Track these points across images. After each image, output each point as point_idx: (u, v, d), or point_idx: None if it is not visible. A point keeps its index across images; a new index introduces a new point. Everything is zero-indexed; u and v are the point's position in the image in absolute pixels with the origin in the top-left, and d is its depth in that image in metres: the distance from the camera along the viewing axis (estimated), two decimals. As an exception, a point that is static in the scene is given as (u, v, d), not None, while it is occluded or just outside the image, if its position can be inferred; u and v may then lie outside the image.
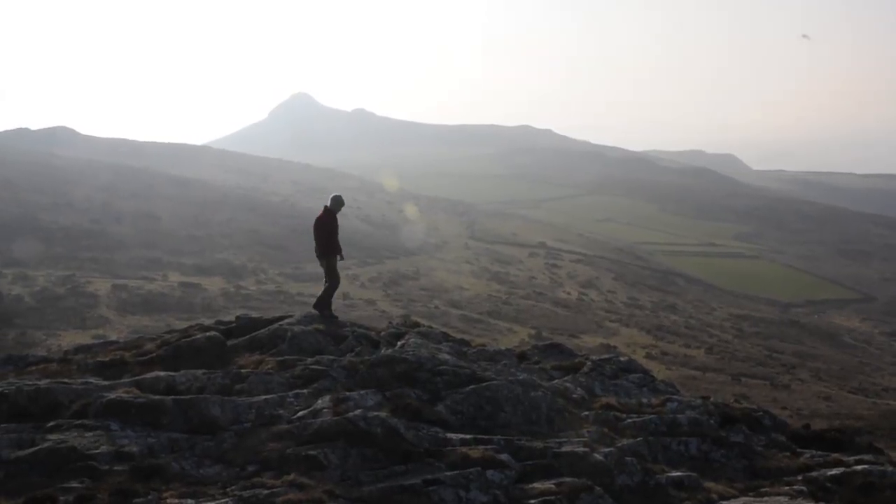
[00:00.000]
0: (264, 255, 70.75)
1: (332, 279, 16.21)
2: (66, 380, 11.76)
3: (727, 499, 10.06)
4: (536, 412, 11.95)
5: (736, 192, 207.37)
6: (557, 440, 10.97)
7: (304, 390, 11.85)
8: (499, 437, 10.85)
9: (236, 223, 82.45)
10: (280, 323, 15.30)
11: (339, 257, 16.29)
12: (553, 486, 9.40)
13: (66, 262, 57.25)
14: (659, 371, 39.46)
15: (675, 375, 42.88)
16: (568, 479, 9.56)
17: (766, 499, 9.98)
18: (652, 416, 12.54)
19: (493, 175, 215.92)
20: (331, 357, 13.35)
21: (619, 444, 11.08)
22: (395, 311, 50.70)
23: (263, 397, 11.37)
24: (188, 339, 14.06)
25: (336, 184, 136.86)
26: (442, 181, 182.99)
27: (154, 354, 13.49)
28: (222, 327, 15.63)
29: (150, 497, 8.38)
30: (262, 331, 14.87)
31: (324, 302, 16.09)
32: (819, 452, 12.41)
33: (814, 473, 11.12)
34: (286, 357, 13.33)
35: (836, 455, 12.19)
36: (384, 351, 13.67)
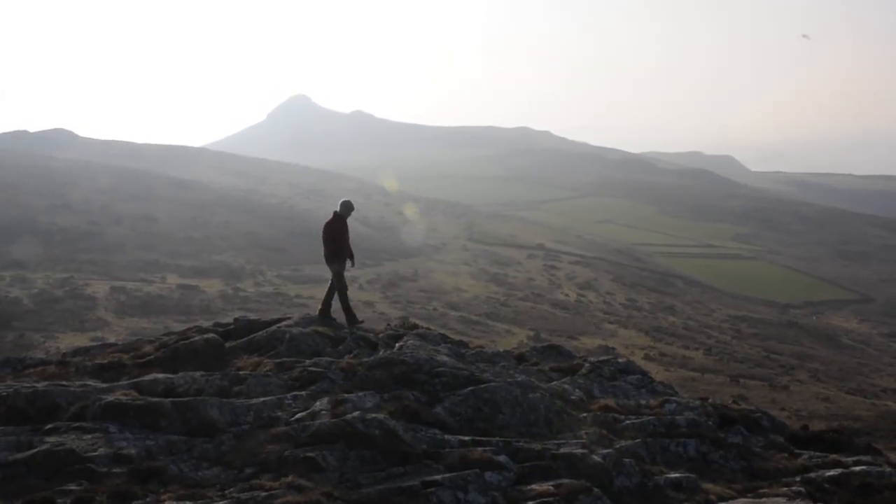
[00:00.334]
0: (262, 257, 70.71)
1: (340, 283, 16.06)
2: (64, 382, 11.75)
3: (725, 500, 10.06)
4: (535, 414, 11.95)
5: (734, 194, 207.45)
6: (556, 442, 10.97)
7: (303, 392, 11.85)
8: (497, 438, 10.85)
9: (234, 225, 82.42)
10: (278, 325, 15.30)
11: (349, 263, 16.13)
12: (551, 487, 9.40)
13: (65, 265, 57.23)
14: (657, 372, 39.45)
15: (674, 377, 42.88)
16: (566, 481, 9.56)
17: (764, 500, 9.98)
18: (650, 417, 12.54)
19: (491, 176, 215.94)
20: (329, 359, 13.35)
21: (618, 446, 11.08)
22: (393, 313, 50.68)
23: (262, 399, 11.37)
24: (186, 342, 14.05)
25: (334, 186, 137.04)
26: (441, 183, 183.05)
27: (152, 357, 13.49)
28: (220, 329, 15.63)
29: (148, 499, 8.37)
30: (261, 333, 14.87)
31: (347, 310, 16.05)
32: (817, 453, 12.41)
33: (812, 474, 11.12)
34: (284, 359, 13.32)
35: (834, 456, 12.20)
36: (382, 353, 13.66)
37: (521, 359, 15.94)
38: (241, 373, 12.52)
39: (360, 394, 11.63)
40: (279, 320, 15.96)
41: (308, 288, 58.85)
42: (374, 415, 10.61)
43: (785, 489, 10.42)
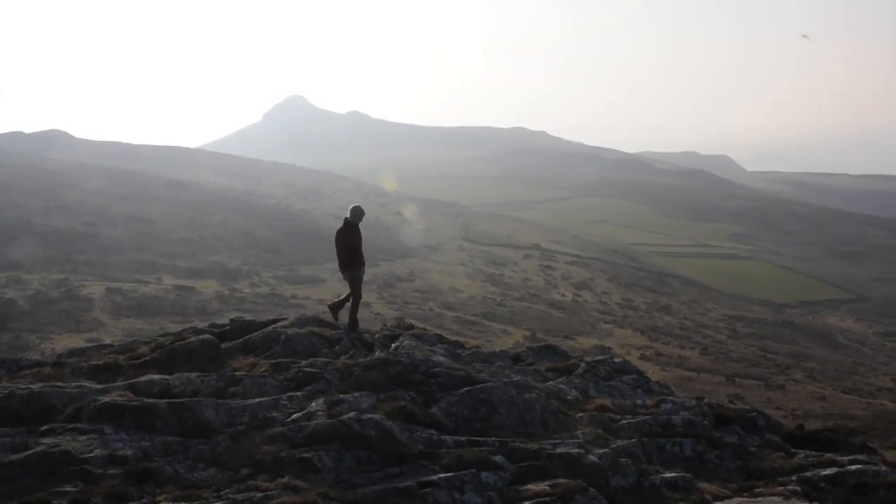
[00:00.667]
0: (258, 258, 70.72)
1: (355, 292, 15.62)
2: (59, 383, 11.73)
3: (721, 499, 10.05)
4: (531, 414, 11.95)
5: (730, 194, 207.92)
6: (552, 442, 10.96)
7: (299, 393, 11.84)
8: (493, 438, 10.84)
9: (230, 226, 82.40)
10: (274, 326, 15.28)
11: (362, 270, 15.75)
12: (547, 487, 9.39)
13: (61, 266, 57.18)
14: (653, 372, 39.49)
15: (670, 376, 42.97)
16: (562, 481, 9.55)
17: (760, 499, 9.99)
18: (646, 417, 12.54)
19: (487, 177, 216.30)
20: (325, 359, 13.33)
21: (614, 446, 11.08)
22: (389, 314, 50.71)
23: (257, 400, 11.35)
24: (182, 343, 14.03)
25: (331, 186, 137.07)
26: (437, 183, 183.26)
27: (148, 357, 13.47)
28: (216, 330, 15.60)
29: (144, 500, 8.35)
30: (256, 333, 14.85)
31: (351, 320, 15.68)
32: (813, 453, 12.42)
33: (808, 474, 11.13)
34: (280, 360, 13.30)
35: (830, 455, 12.20)
36: (378, 353, 13.65)
37: (517, 359, 15.93)
38: (236, 374, 12.50)
39: (356, 394, 11.62)
40: (275, 321, 15.93)
41: (304, 288, 58.90)
42: (370, 415, 10.60)
43: (781, 488, 10.43)
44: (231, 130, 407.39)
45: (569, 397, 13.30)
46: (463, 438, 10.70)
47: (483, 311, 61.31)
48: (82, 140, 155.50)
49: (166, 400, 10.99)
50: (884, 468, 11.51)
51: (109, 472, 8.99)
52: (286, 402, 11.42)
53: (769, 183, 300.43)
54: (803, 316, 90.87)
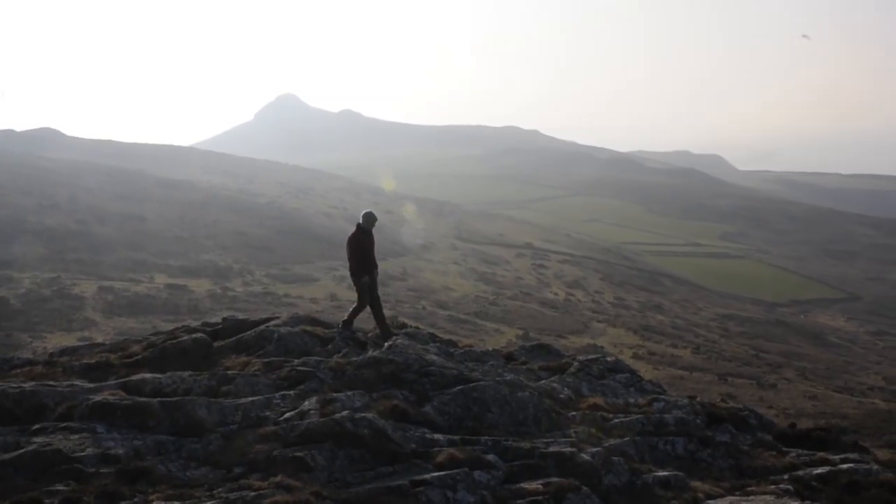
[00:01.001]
0: (251, 257, 70.58)
1: (362, 297, 15.07)
2: (51, 382, 11.69)
3: (714, 498, 10.08)
4: (524, 413, 11.96)
5: (722, 193, 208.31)
6: (545, 440, 10.98)
7: (291, 392, 11.83)
8: (486, 437, 10.85)
9: (223, 224, 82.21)
10: (267, 324, 15.26)
11: (375, 274, 15.24)
12: (540, 486, 9.41)
13: (52, 264, 57.00)
14: (646, 371, 39.59)
15: (662, 375, 43.05)
16: (555, 480, 9.56)
17: (752, 498, 10.01)
18: (639, 415, 12.56)
19: (480, 175, 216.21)
20: (318, 358, 13.32)
21: (607, 444, 11.10)
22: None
23: (250, 399, 11.34)
24: (174, 341, 14.00)
25: (323, 185, 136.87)
26: (429, 182, 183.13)
27: (140, 356, 13.44)
28: (209, 329, 15.58)
29: (136, 499, 8.34)
30: (249, 332, 14.83)
31: (349, 320, 15.24)
32: (805, 451, 12.46)
33: (800, 472, 11.16)
34: (273, 358, 13.29)
35: (821, 454, 12.24)
36: (371, 352, 13.64)
37: (509, 357, 15.94)
38: (229, 372, 12.48)
39: (349, 393, 11.61)
40: (267, 320, 15.91)
41: (296, 287, 58.77)
42: (362, 414, 10.59)
43: (773, 487, 10.45)
44: (224, 129, 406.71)
45: (561, 396, 13.31)
46: (456, 437, 10.71)
47: (476, 309, 61.32)
48: (74, 138, 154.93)
49: (158, 399, 10.97)
50: (875, 467, 11.55)
51: (101, 470, 8.97)
52: (279, 401, 11.41)
53: (761, 182, 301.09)
54: (795, 315, 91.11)
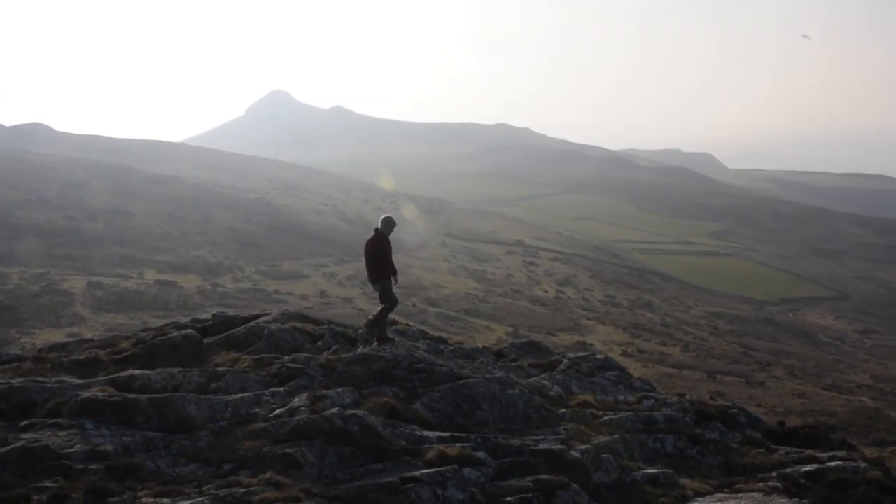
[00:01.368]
0: (241, 253, 70.42)
1: (388, 301, 14.77)
2: (40, 378, 11.64)
3: (702, 495, 10.12)
4: (513, 410, 11.97)
5: (712, 191, 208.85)
6: (534, 438, 10.99)
7: (281, 388, 11.81)
8: (476, 434, 10.85)
9: (212, 220, 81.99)
10: (257, 321, 15.21)
11: (393, 280, 14.89)
12: (530, 483, 9.42)
13: (41, 260, 56.75)
14: (635, 369, 39.70)
15: (652, 373, 43.18)
16: (545, 477, 9.58)
17: (740, 495, 10.05)
18: (628, 413, 12.60)
19: (470, 173, 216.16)
20: (308, 355, 13.30)
21: (596, 442, 11.12)
22: (372, 309, 50.36)
23: (240, 395, 11.31)
24: (164, 338, 13.95)
25: (313, 181, 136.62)
26: (421, 179, 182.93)
27: (129, 353, 13.38)
28: (198, 325, 15.53)
29: (125, 496, 8.31)
30: (239, 329, 14.78)
31: (375, 323, 14.73)
32: (793, 449, 12.51)
33: (788, 470, 11.21)
34: (263, 355, 13.25)
35: (810, 451, 12.30)
36: (361, 349, 13.63)
37: (499, 355, 15.96)
38: (218, 369, 12.45)
39: (339, 390, 11.60)
40: (257, 316, 15.87)
41: (286, 284, 58.69)
42: (352, 411, 10.58)
43: (761, 484, 10.50)
44: (214, 125, 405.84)
45: (551, 393, 13.33)
46: (446, 434, 10.70)
47: (466, 307, 61.36)
48: (64, 133, 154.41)
49: (148, 395, 10.93)
50: (863, 465, 11.62)
51: (90, 467, 8.93)
52: (269, 398, 11.39)
53: (751, 181, 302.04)
54: (784, 313, 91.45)
